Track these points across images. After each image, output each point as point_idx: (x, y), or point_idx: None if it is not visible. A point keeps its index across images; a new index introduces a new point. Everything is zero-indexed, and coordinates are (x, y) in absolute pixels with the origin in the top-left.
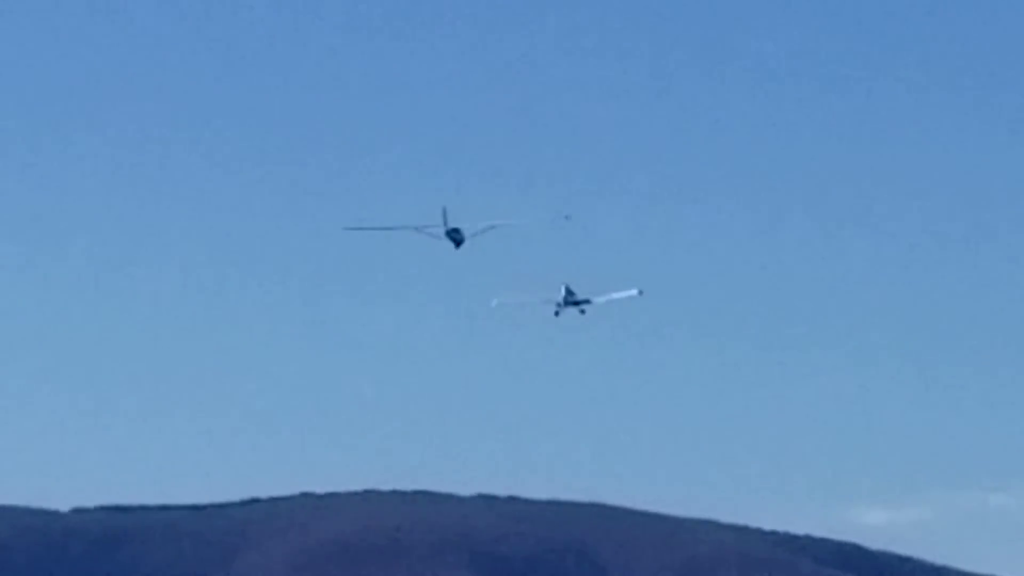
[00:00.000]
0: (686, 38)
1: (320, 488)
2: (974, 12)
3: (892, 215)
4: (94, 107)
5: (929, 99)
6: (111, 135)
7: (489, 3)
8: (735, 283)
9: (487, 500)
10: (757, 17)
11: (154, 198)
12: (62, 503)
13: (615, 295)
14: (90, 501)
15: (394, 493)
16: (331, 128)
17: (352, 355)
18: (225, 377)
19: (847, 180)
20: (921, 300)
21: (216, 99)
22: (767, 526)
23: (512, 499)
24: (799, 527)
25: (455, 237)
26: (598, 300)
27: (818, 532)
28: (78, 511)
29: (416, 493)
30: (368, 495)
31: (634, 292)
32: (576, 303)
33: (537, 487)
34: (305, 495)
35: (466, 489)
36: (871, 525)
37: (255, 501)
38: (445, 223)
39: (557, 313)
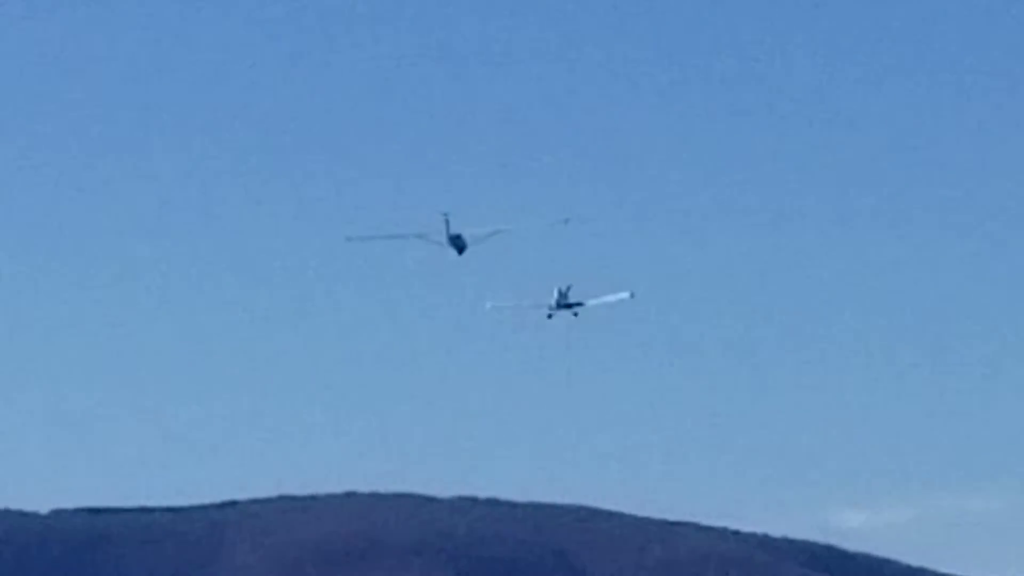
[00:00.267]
0: (686, 42)
1: (299, 490)
2: (973, 12)
3: (875, 221)
4: (87, 110)
5: (919, 97)
6: (110, 139)
7: (489, 9)
8: (718, 288)
9: (467, 502)
10: (750, 21)
11: (134, 197)
12: (41, 505)
13: (607, 298)
14: (69, 503)
15: (374, 495)
16: (331, 137)
17: (332, 357)
18: (205, 379)
19: (836, 186)
20: (899, 303)
21: (214, 106)
22: (746, 528)
23: (492, 501)
24: (778, 529)
25: (457, 244)
26: (590, 303)
27: (797, 534)
28: (57, 513)
29: (396, 495)
30: (348, 497)
31: (626, 295)
32: (569, 306)
33: (517, 489)
34: (284, 497)
35: (446, 491)
36: (849, 527)
37: (234, 503)
38: (447, 230)
39: (550, 316)
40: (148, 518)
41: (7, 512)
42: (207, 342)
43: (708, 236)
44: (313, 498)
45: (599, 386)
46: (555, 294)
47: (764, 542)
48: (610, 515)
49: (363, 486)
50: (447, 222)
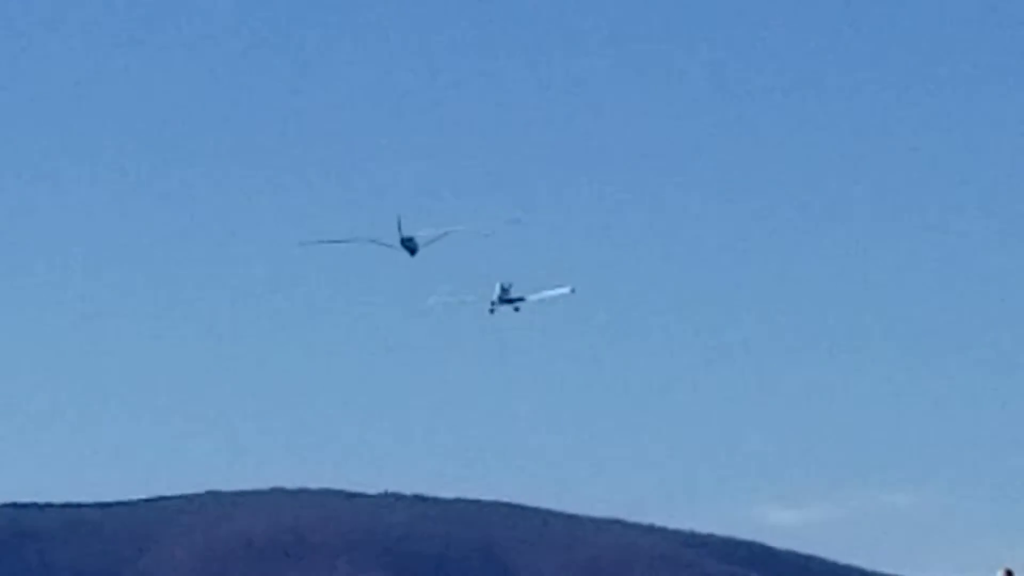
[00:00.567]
0: (642, 38)
1: (226, 486)
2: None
3: (802, 212)
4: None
5: (901, 93)
6: (71, 142)
7: (440, 10)
8: (653, 287)
9: (394, 499)
10: (708, 16)
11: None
12: None
13: (548, 293)
14: None
15: (301, 491)
16: (287, 143)
17: (260, 354)
18: (132, 375)
19: (778, 177)
20: (826, 302)
21: (169, 113)
22: (672, 525)
23: (419, 498)
24: (705, 526)
25: (409, 246)
26: (531, 298)
27: (723, 531)
28: None
29: (322, 491)
30: (275, 493)
31: (567, 290)
32: (510, 301)
33: (444, 486)
34: (211, 493)
35: (373, 487)
36: (776, 524)
37: (161, 499)
38: (400, 233)
39: (492, 311)
40: (75, 514)
41: None
42: (137, 340)
43: (651, 234)
44: (240, 494)
45: (528, 384)
46: (497, 289)
47: (691, 539)
48: (537, 512)
49: (289, 482)
50: (400, 225)
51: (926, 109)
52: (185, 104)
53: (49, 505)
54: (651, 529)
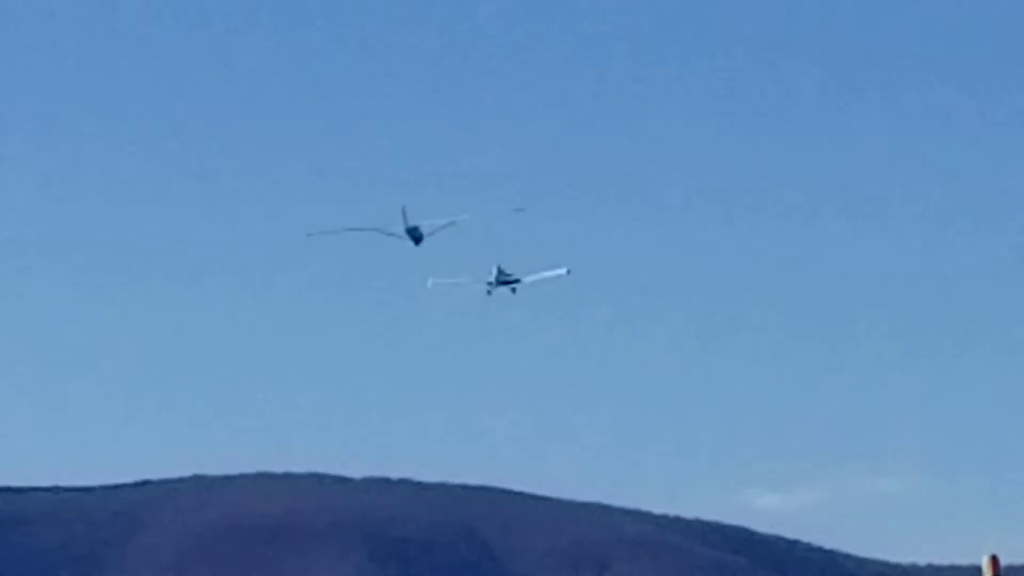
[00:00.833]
0: (642, 32)
1: (212, 470)
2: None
3: (784, 204)
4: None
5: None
6: (64, 140)
7: (451, 5)
8: (635, 271)
9: (379, 483)
10: (708, 16)
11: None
12: None
13: (545, 274)
14: None
15: (286, 475)
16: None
17: (245, 336)
18: (117, 359)
19: (767, 168)
20: (805, 290)
21: (175, 106)
22: (657, 510)
23: (404, 482)
24: (690, 511)
25: (415, 235)
26: (528, 279)
27: (709, 516)
28: None
29: (308, 475)
30: (260, 477)
31: (563, 271)
32: (507, 282)
33: (429, 470)
34: (197, 477)
35: (358, 472)
36: (762, 509)
37: (147, 483)
38: (405, 222)
39: (489, 292)
40: (60, 498)
41: None
42: (124, 324)
43: (647, 221)
44: (226, 478)
45: (512, 369)
46: (494, 271)
47: (676, 524)
48: (521, 496)
49: (276, 466)
50: (404, 214)
51: (926, 109)
52: (193, 94)
53: (34, 489)
54: (636, 513)
